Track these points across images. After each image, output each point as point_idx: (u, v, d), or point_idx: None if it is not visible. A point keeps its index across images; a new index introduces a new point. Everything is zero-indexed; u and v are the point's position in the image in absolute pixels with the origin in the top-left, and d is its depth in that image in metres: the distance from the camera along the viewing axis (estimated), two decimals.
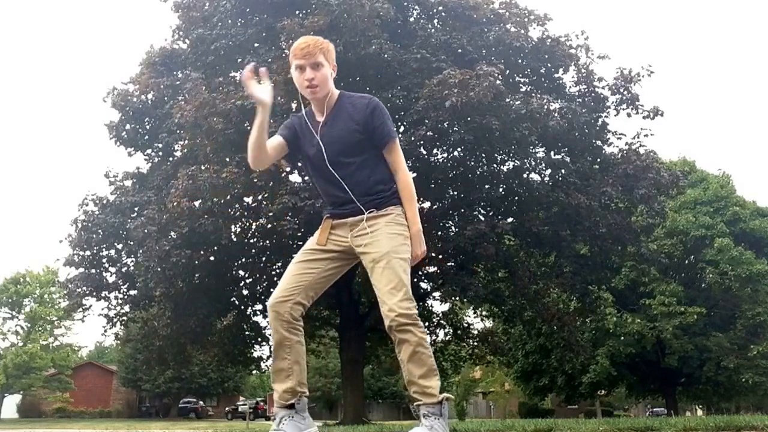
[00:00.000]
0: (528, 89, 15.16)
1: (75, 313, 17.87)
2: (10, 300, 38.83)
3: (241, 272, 15.80)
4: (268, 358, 20.57)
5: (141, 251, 13.86)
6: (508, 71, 13.94)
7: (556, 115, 12.87)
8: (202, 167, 12.60)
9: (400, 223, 2.59)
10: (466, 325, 21.00)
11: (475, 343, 20.26)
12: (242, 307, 17.40)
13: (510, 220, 14.78)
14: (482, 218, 14.18)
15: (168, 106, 14.11)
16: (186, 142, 14.17)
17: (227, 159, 12.31)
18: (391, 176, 2.64)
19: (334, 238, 2.64)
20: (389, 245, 2.53)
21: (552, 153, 14.86)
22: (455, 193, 14.89)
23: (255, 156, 2.66)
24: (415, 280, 16.67)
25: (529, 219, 14.20)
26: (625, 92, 14.67)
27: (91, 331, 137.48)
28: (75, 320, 37.16)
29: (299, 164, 2.78)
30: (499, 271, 15.93)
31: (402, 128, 13.28)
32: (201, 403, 45.28)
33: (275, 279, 17.16)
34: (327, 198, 2.68)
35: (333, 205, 2.64)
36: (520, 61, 14.44)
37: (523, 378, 32.20)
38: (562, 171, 14.42)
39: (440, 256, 14.56)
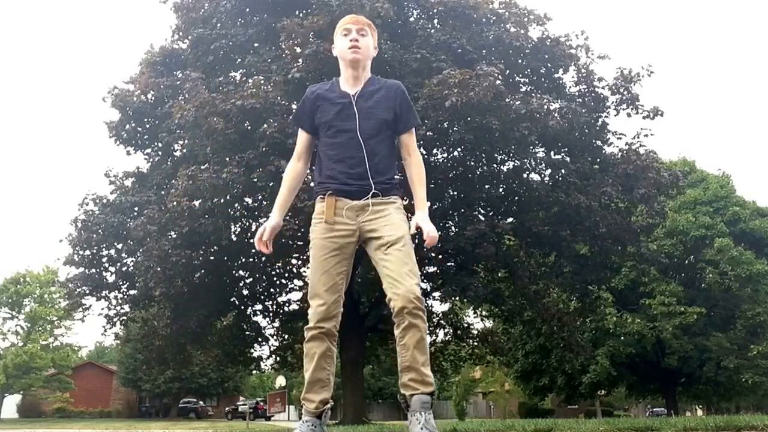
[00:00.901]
0: (528, 89, 15.15)
1: (75, 312, 17.87)
2: (10, 300, 38.82)
3: (241, 272, 15.80)
4: (268, 357, 20.57)
5: (141, 251, 13.86)
6: (508, 71, 13.93)
7: (556, 115, 12.87)
8: (202, 167, 12.60)
9: (404, 213, 2.60)
10: (466, 325, 21.00)
11: (475, 343, 20.27)
12: (242, 307, 17.41)
13: (510, 220, 14.78)
14: (482, 218, 14.17)
15: (168, 106, 14.11)
16: (186, 142, 14.18)
17: (227, 159, 12.30)
18: (396, 167, 2.67)
19: (340, 226, 2.54)
20: (404, 230, 2.51)
21: (552, 153, 14.86)
22: (455, 193, 14.89)
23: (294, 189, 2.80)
24: None
25: (529, 219, 14.20)
26: (625, 92, 14.67)
27: (91, 331, 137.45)
28: (75, 320, 37.19)
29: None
30: (499, 271, 15.93)
31: None
32: (201, 403, 45.27)
33: (275, 279, 17.19)
34: (338, 169, 2.56)
35: (343, 178, 2.54)
36: (520, 61, 14.44)
37: (523, 378, 32.19)
38: (562, 171, 14.42)
39: (440, 256, 14.57)
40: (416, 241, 2.72)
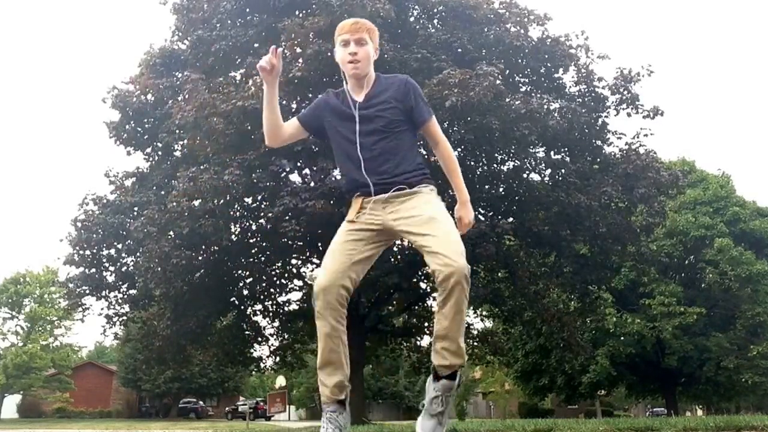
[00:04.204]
0: (528, 89, 15.15)
1: (75, 312, 17.88)
2: (10, 300, 38.84)
3: (241, 272, 15.79)
4: (268, 357, 20.57)
5: (141, 251, 13.86)
6: (508, 71, 13.93)
7: (556, 114, 12.87)
8: (202, 167, 12.60)
9: (437, 197, 2.62)
10: (465, 325, 21.00)
11: (475, 343, 20.25)
12: (242, 307, 17.40)
13: (510, 220, 14.78)
14: (482, 218, 14.17)
15: (168, 106, 14.11)
16: (186, 142, 14.17)
17: (228, 160, 12.29)
18: (422, 160, 2.67)
19: (368, 218, 2.56)
20: (435, 208, 2.54)
21: (552, 153, 14.85)
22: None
23: (268, 134, 2.71)
24: (415, 280, 16.68)
25: (529, 219, 14.19)
26: (625, 92, 14.66)
27: (91, 331, 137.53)
28: (75, 320, 37.23)
29: (327, 139, 2.74)
30: (499, 271, 15.93)
31: None
32: (201, 403, 45.28)
33: (275, 279, 17.18)
34: (353, 172, 2.61)
35: (360, 178, 2.58)
36: (520, 60, 14.44)
37: (523, 378, 32.19)
38: (562, 171, 14.42)
39: None
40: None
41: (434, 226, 2.45)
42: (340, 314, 2.48)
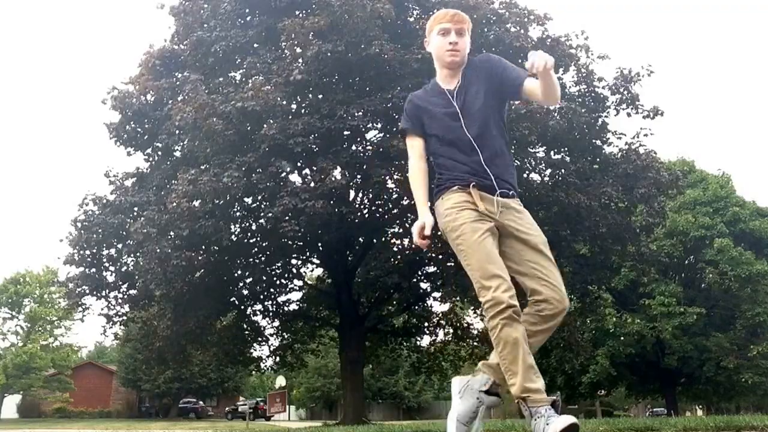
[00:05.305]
0: None
1: (75, 312, 17.87)
2: (10, 300, 38.83)
3: (241, 272, 15.79)
4: (268, 357, 20.58)
5: (141, 252, 13.85)
6: None
7: (556, 114, 12.88)
8: (202, 167, 12.58)
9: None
10: (466, 325, 20.99)
11: (475, 343, 20.25)
12: (242, 307, 17.41)
13: None
14: None
15: (167, 108, 14.08)
16: (186, 143, 14.16)
17: (228, 161, 12.27)
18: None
19: (487, 213, 2.48)
20: (544, 237, 2.55)
21: (552, 153, 14.86)
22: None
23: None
24: (415, 280, 16.68)
25: None
26: (625, 92, 14.67)
27: (91, 331, 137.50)
28: (75, 320, 37.25)
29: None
30: None
31: None
32: (201, 403, 45.25)
33: (275, 279, 17.19)
34: (463, 167, 2.53)
35: (471, 174, 2.51)
36: (520, 60, 14.38)
37: None
38: (562, 171, 14.42)
39: (440, 256, 14.56)
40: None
41: (549, 255, 2.50)
42: (519, 314, 2.43)
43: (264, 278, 16.24)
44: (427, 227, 2.50)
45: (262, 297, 17.61)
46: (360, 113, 12.73)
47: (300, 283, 18.48)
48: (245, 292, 16.77)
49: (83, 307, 16.37)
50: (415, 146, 2.66)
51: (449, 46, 2.57)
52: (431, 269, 16.02)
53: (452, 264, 14.75)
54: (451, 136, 2.54)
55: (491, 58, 2.66)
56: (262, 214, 13.48)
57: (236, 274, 15.73)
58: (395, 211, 15.57)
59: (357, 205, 15.42)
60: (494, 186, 2.49)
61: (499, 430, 4.45)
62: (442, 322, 20.18)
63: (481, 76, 2.60)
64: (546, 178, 14.92)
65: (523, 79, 2.53)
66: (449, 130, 2.55)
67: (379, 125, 14.12)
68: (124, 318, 16.99)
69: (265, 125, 11.82)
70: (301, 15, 13.43)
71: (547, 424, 2.21)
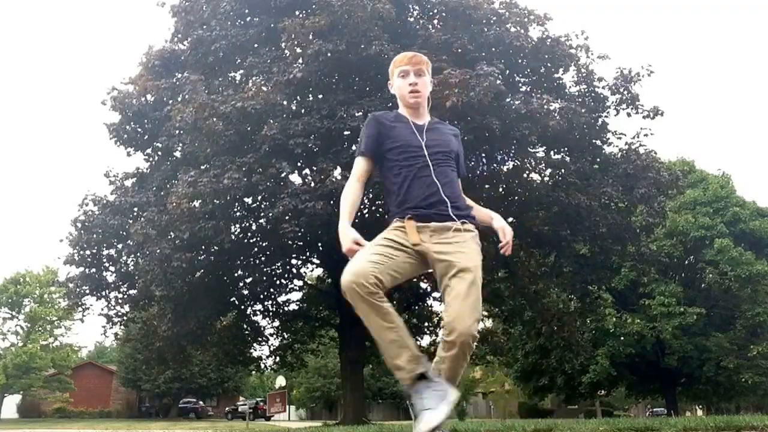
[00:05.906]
0: (528, 89, 15.14)
1: (75, 312, 17.88)
2: (10, 300, 38.84)
3: (241, 272, 15.79)
4: (268, 357, 20.59)
5: (140, 253, 13.85)
6: (508, 71, 13.92)
7: (556, 115, 12.86)
8: (202, 167, 12.57)
9: (479, 245, 2.62)
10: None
11: (475, 343, 20.29)
12: (242, 307, 17.40)
13: (510, 220, 14.78)
14: None
15: (167, 108, 14.08)
16: (186, 144, 14.15)
17: (228, 162, 12.26)
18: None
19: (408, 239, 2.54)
20: (478, 261, 2.54)
21: (552, 153, 14.85)
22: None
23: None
24: (415, 280, 16.68)
25: (529, 219, 14.19)
26: (625, 92, 14.66)
27: (91, 331, 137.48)
28: (75, 320, 37.28)
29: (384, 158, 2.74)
30: (499, 271, 15.93)
31: None
32: (201, 403, 45.27)
33: (275, 279, 17.19)
34: (416, 195, 2.59)
35: (421, 205, 2.57)
36: (520, 60, 14.43)
37: (522, 378, 32.20)
38: (562, 171, 14.42)
39: None
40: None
41: (470, 280, 2.47)
42: (378, 295, 2.41)
43: (264, 278, 16.24)
44: (359, 240, 2.55)
45: (262, 297, 17.62)
46: (360, 113, 12.72)
47: (300, 283, 18.48)
48: (245, 292, 16.77)
49: (83, 307, 16.37)
50: (361, 168, 2.72)
51: (409, 87, 2.71)
52: (431, 270, 16.01)
53: None
54: (409, 164, 2.63)
55: (458, 135, 2.84)
56: (262, 214, 13.47)
57: (236, 275, 15.73)
58: None
59: None
60: (448, 213, 2.57)
61: (499, 430, 4.45)
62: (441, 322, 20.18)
63: (448, 136, 2.78)
64: (546, 178, 14.92)
65: (461, 175, 2.80)
66: (409, 158, 2.64)
67: None
68: (124, 318, 16.99)
69: (265, 126, 11.82)
70: (301, 15, 13.43)
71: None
